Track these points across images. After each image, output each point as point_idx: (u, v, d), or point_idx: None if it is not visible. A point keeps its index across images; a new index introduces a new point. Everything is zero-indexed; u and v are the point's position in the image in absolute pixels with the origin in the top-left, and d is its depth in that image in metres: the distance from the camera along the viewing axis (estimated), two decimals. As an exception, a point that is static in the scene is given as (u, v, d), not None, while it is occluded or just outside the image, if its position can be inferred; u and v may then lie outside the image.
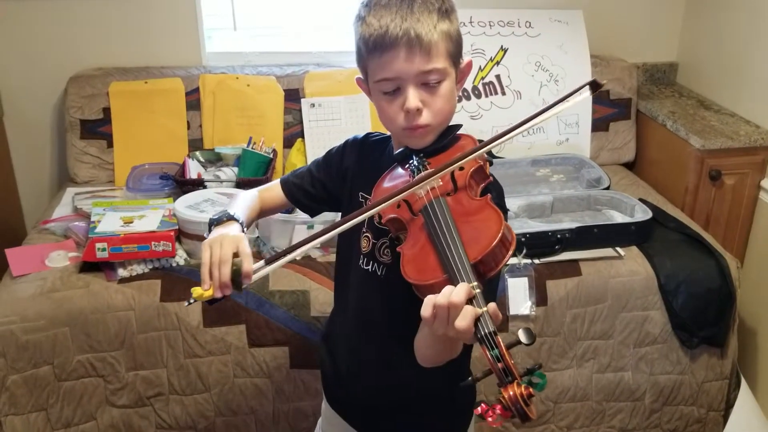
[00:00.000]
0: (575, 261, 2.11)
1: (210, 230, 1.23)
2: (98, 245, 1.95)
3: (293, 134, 2.67)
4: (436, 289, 1.00)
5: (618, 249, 2.16)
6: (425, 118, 1.16)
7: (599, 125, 2.81)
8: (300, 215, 2.16)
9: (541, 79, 2.75)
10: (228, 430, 2.04)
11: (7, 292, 1.96)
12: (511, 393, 0.88)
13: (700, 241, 2.21)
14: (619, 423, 2.20)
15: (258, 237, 2.17)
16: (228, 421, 2.03)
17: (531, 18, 2.78)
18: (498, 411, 0.88)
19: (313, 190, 1.41)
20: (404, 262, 1.09)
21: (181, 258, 2.06)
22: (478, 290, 0.96)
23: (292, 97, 2.67)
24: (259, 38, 2.91)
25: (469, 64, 1.24)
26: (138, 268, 2.01)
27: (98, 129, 2.59)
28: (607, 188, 2.43)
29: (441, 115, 1.18)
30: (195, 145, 2.62)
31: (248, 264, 1.12)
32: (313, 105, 2.65)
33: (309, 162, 2.55)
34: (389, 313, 1.27)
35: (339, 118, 2.64)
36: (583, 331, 2.11)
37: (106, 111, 2.58)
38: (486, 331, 0.92)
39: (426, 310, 0.96)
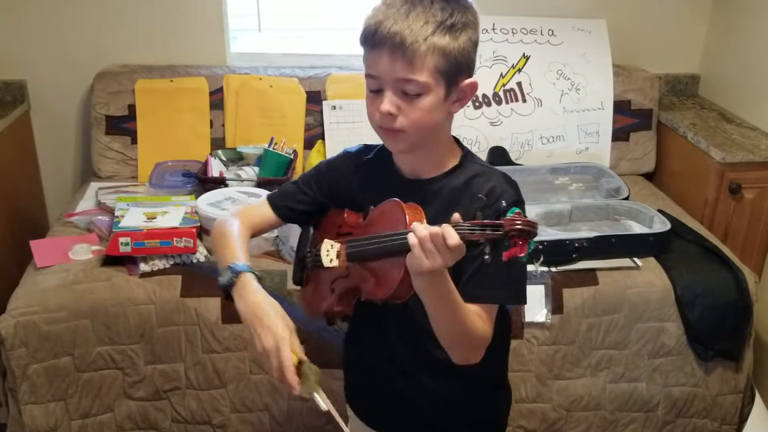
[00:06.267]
0: (592, 270, 2.12)
1: (228, 295, 1.19)
2: (121, 240, 1.98)
3: (314, 136, 2.69)
4: (406, 281, 1.06)
5: (635, 259, 2.16)
6: (399, 123, 1.14)
7: (620, 135, 2.81)
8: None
9: (563, 87, 2.76)
10: (242, 426, 2.06)
11: (31, 282, 1.99)
12: (508, 229, 0.96)
13: (718, 255, 2.20)
14: (632, 433, 2.20)
15: (277, 236, 2.19)
16: (243, 417, 2.06)
17: (554, 26, 2.79)
18: (519, 243, 0.96)
19: (312, 208, 1.37)
20: (370, 296, 1.14)
21: (201, 254, 2.09)
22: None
23: (314, 99, 2.69)
24: (282, 40, 2.94)
25: (473, 86, 1.18)
26: (159, 264, 2.04)
27: (123, 125, 2.63)
28: (626, 198, 2.43)
29: (416, 126, 1.14)
30: (217, 143, 2.65)
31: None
32: (334, 107, 2.67)
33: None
34: (414, 321, 1.23)
35: (360, 121, 2.66)
36: (598, 341, 2.11)
37: (131, 108, 2.62)
38: (471, 233, 0.99)
39: (411, 239, 1.01)
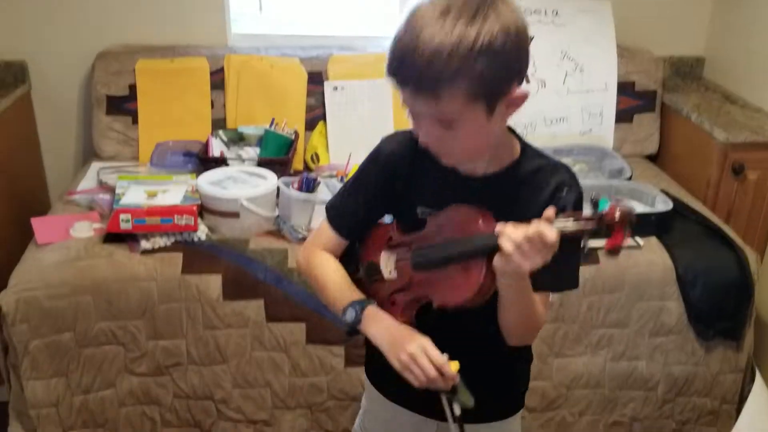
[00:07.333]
0: (594, 249, 2.11)
1: (352, 331, 1.20)
2: (122, 216, 1.98)
3: (315, 117, 2.68)
4: (486, 284, 1.06)
5: (637, 239, 2.16)
6: (444, 148, 1.10)
7: (623, 116, 2.79)
8: (320, 195, 2.18)
9: (567, 68, 2.75)
10: (244, 402, 2.07)
11: (32, 259, 2.00)
12: (608, 221, 0.99)
13: (720, 234, 2.20)
14: (631, 412, 2.20)
15: (278, 216, 2.19)
16: (244, 392, 2.06)
17: (558, 7, 2.77)
18: (620, 231, 1.00)
19: (371, 215, 1.31)
20: (444, 302, 1.13)
21: (203, 233, 2.09)
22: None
23: (316, 79, 2.67)
24: (284, 20, 2.93)
25: (523, 96, 1.07)
26: (160, 241, 2.04)
27: (124, 105, 2.62)
28: (629, 179, 2.42)
29: (462, 153, 1.10)
30: (218, 124, 2.64)
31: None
32: (335, 88, 2.66)
33: (330, 147, 2.58)
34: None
35: (362, 102, 2.65)
36: (599, 320, 2.11)
37: (132, 88, 2.61)
38: (570, 229, 1.00)
39: (508, 246, 0.99)
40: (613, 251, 1.02)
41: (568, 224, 1.00)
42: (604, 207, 1.00)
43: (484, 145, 1.11)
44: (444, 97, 1.00)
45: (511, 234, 0.99)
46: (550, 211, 1.00)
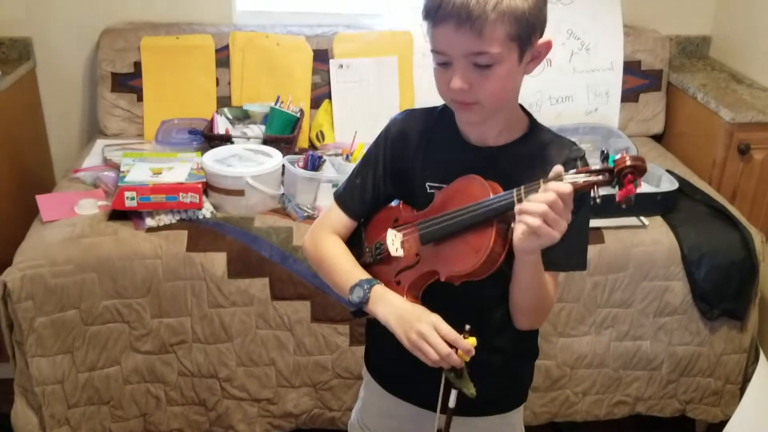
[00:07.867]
0: (598, 228, 2.11)
1: (358, 312, 1.19)
2: (127, 194, 1.98)
3: (321, 95, 2.67)
4: (495, 249, 1.05)
5: (642, 218, 2.16)
6: (472, 96, 1.09)
7: (629, 96, 2.77)
8: (325, 173, 2.17)
9: (573, 47, 2.72)
10: (248, 380, 2.08)
11: (37, 236, 2.00)
12: (620, 167, 0.98)
13: (725, 214, 2.19)
14: (635, 391, 2.21)
15: (283, 194, 2.19)
16: (249, 371, 2.07)
17: (564, -15, 2.75)
18: (631, 180, 0.98)
19: (380, 196, 1.31)
20: (452, 274, 1.11)
21: (207, 210, 2.09)
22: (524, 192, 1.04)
23: (321, 57, 2.66)
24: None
25: (548, 45, 1.12)
26: (165, 219, 2.04)
27: (129, 82, 2.61)
28: (634, 159, 2.41)
29: (491, 97, 1.10)
30: (223, 102, 2.63)
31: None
32: (341, 66, 2.65)
33: (335, 121, 2.57)
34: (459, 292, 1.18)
35: (367, 80, 2.64)
36: (603, 299, 2.11)
37: (137, 65, 2.60)
38: (582, 181, 1.00)
39: (534, 221, 0.99)
40: (626, 202, 1.00)
41: (579, 178, 1.00)
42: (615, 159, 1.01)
43: (508, 93, 1.12)
44: (486, 32, 1.03)
45: (532, 208, 1.00)
46: (558, 168, 1.01)
